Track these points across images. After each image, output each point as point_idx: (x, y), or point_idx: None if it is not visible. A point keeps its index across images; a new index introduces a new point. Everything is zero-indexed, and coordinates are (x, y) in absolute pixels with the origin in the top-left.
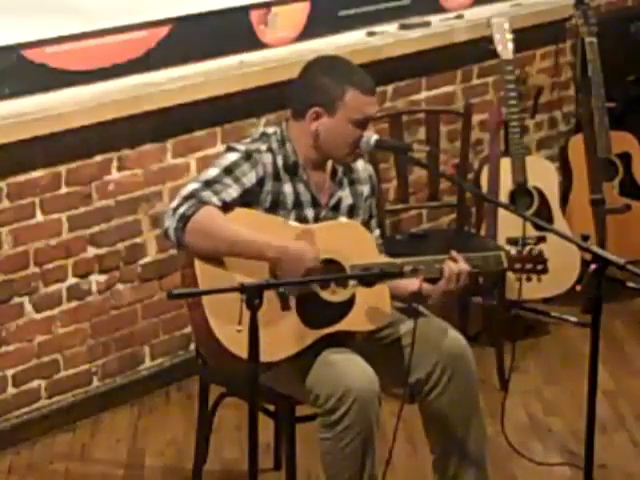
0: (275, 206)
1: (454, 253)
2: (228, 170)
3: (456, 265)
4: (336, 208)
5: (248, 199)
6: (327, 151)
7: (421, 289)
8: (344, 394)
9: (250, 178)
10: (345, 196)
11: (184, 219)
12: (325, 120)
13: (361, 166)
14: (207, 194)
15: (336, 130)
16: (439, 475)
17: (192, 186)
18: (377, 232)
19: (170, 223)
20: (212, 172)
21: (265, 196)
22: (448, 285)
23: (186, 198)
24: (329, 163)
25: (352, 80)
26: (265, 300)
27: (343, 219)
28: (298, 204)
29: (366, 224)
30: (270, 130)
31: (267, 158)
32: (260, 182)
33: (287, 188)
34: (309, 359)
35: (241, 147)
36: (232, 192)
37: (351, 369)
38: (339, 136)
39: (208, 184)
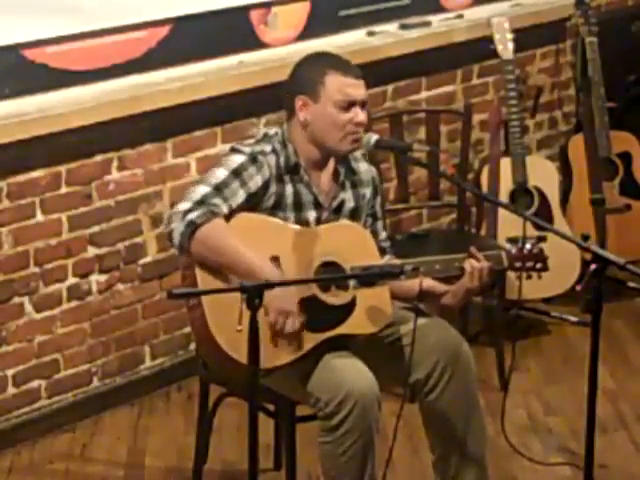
0: (277, 207)
1: (474, 250)
2: (236, 172)
3: (477, 262)
4: (338, 210)
5: (252, 202)
6: (320, 142)
7: (422, 288)
8: (344, 399)
9: (256, 182)
10: (347, 198)
11: (192, 226)
12: (311, 107)
13: (364, 168)
14: (217, 201)
15: (322, 115)
16: (439, 475)
17: (203, 190)
18: (384, 235)
19: (177, 226)
20: (221, 174)
21: (268, 198)
22: (471, 282)
23: (198, 204)
24: (331, 165)
25: (331, 64)
26: None
27: (345, 221)
28: (299, 205)
29: (371, 227)
30: (272, 131)
31: (271, 160)
32: (265, 185)
33: (288, 190)
34: (310, 363)
35: (246, 149)
36: (239, 198)
37: (351, 374)
38: (326, 121)
39: (218, 189)
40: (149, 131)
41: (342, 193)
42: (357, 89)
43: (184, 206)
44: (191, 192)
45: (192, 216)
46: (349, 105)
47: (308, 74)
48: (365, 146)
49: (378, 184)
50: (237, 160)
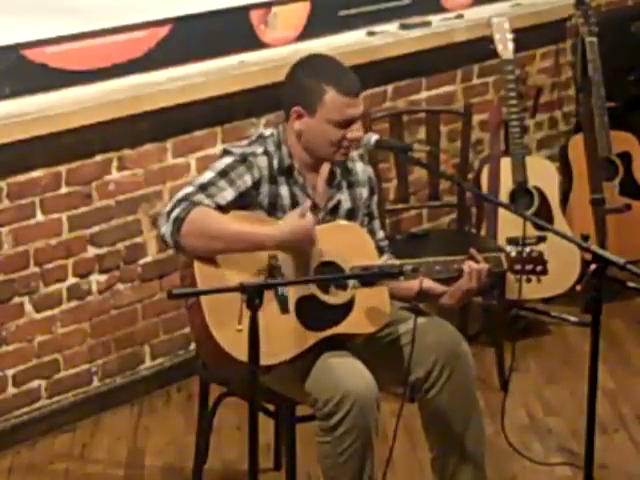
0: (272, 209)
1: (473, 252)
2: (223, 173)
3: (476, 263)
4: (334, 211)
5: (244, 202)
6: (312, 150)
7: (422, 288)
8: (342, 398)
9: (246, 181)
10: (344, 199)
11: (178, 222)
12: (306, 120)
13: (360, 168)
14: (200, 197)
15: (316, 130)
16: (437, 473)
17: (186, 190)
18: (381, 234)
19: (165, 228)
20: (207, 176)
21: (262, 199)
22: (469, 283)
23: (179, 201)
24: (326, 166)
25: (332, 80)
26: (264, 303)
27: (343, 221)
28: (295, 207)
29: (367, 226)
30: (267, 132)
31: (262, 161)
32: (256, 185)
33: (283, 191)
34: (308, 362)
35: (237, 150)
36: (227, 195)
37: (350, 373)
38: (320, 136)
39: (203, 188)
40: (149, 131)
41: (338, 194)
42: (355, 108)
43: (167, 208)
44: (176, 194)
45: (175, 213)
46: (345, 124)
47: (307, 86)
48: (365, 146)
49: (374, 184)
50: (225, 161)
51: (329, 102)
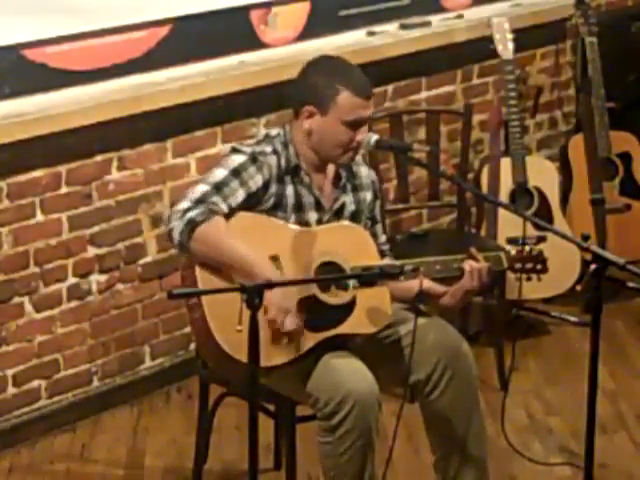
0: (276, 208)
1: (473, 251)
2: (236, 172)
3: (477, 262)
4: (339, 213)
5: (252, 201)
6: (320, 151)
7: (422, 288)
8: (344, 399)
9: (256, 182)
10: (348, 202)
11: (192, 224)
12: (317, 119)
13: (364, 172)
14: (217, 199)
15: (328, 130)
16: (440, 475)
17: (202, 188)
18: (383, 238)
19: (177, 224)
20: (220, 174)
21: (268, 198)
22: (471, 283)
23: (197, 202)
24: (331, 167)
25: (346, 81)
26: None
27: (345, 222)
28: (299, 207)
29: (370, 230)
30: (273, 132)
31: (272, 160)
32: (265, 185)
33: (289, 191)
34: (309, 362)
35: (247, 149)
36: (238, 197)
37: (351, 374)
38: (330, 136)
39: (218, 188)
40: (149, 131)
41: (343, 196)
42: (367, 110)
43: (183, 205)
44: (190, 191)
45: (191, 214)
46: (356, 125)
47: (320, 86)
48: (365, 146)
49: (378, 188)
50: (237, 160)
51: (342, 102)
